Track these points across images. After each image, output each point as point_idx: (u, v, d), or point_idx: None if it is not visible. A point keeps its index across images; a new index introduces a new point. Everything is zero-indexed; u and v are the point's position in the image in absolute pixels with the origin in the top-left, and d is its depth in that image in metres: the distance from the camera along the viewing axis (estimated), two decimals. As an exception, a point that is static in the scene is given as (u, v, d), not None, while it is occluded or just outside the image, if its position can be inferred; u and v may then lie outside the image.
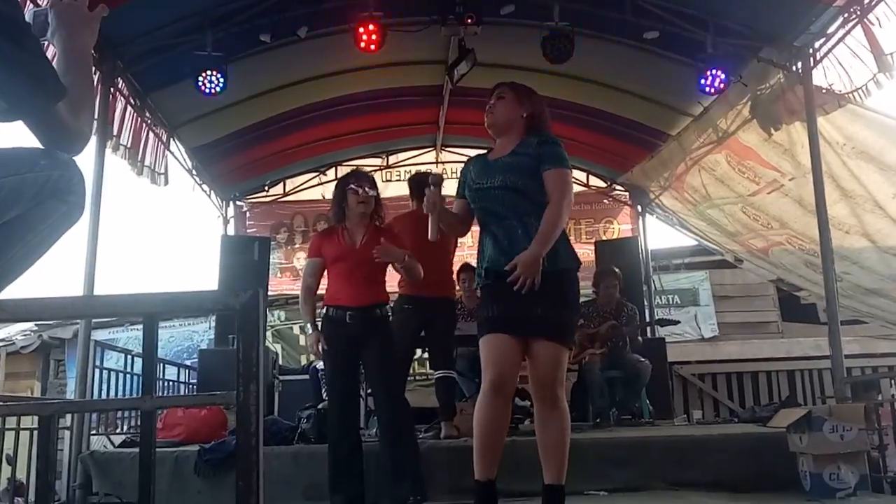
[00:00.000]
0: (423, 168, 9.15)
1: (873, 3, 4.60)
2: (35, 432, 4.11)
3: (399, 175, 9.08)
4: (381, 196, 4.17)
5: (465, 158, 8.92)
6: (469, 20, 5.16)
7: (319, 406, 4.88)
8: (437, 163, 9.19)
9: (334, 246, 3.99)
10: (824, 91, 5.28)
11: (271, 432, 4.58)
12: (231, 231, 8.75)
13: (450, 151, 9.11)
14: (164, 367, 6.92)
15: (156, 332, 1.06)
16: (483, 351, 2.86)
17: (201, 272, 20.20)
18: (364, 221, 4.01)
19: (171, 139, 6.64)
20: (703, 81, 5.54)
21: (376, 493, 3.92)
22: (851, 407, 4.20)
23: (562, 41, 5.42)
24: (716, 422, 7.02)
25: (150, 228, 26.96)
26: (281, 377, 6.74)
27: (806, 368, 8.87)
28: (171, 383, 6.92)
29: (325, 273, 4.07)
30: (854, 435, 3.78)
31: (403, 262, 3.94)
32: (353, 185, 3.97)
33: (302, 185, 9.15)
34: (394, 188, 8.57)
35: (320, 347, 3.89)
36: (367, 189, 3.96)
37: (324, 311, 4.01)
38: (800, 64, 5.30)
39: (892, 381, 7.80)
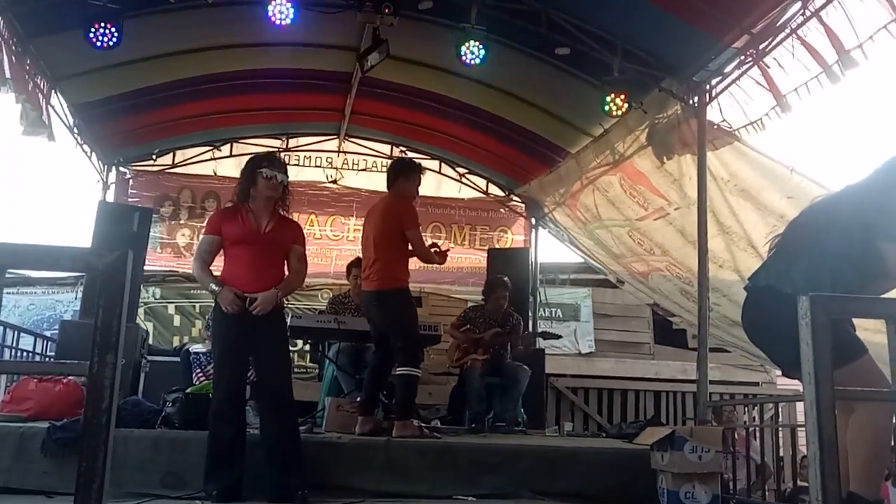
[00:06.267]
0: (323, 155, 8.98)
1: (769, 48, 4.89)
2: None
3: (298, 159, 8.81)
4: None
5: (368, 151, 9.01)
6: (386, 9, 5.07)
7: (188, 390, 4.63)
8: (339, 152, 9.00)
9: (236, 226, 3.83)
10: (715, 127, 5.58)
11: (133, 413, 4.30)
12: (111, 198, 8.20)
13: (353, 142, 8.93)
14: (18, 335, 6.39)
15: (-1, 287, 0.91)
16: (875, 370, 2.66)
17: (72, 239, 18.88)
18: (269, 206, 3.90)
19: (53, 92, 6.14)
20: (606, 99, 5.67)
21: (253, 483, 3.71)
22: (710, 429, 4.41)
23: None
24: (585, 435, 7.22)
25: (12, 182, 24.53)
26: (149, 357, 6.40)
27: (671, 390, 9.30)
28: (26, 353, 6.42)
29: (222, 253, 3.90)
30: (711, 456, 3.92)
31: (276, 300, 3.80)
32: (266, 169, 3.85)
33: (193, 157, 8.70)
34: (291, 172, 8.25)
35: (231, 306, 3.68)
36: (279, 175, 3.87)
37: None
38: (696, 98, 5.59)
39: (746, 408, 8.34)
